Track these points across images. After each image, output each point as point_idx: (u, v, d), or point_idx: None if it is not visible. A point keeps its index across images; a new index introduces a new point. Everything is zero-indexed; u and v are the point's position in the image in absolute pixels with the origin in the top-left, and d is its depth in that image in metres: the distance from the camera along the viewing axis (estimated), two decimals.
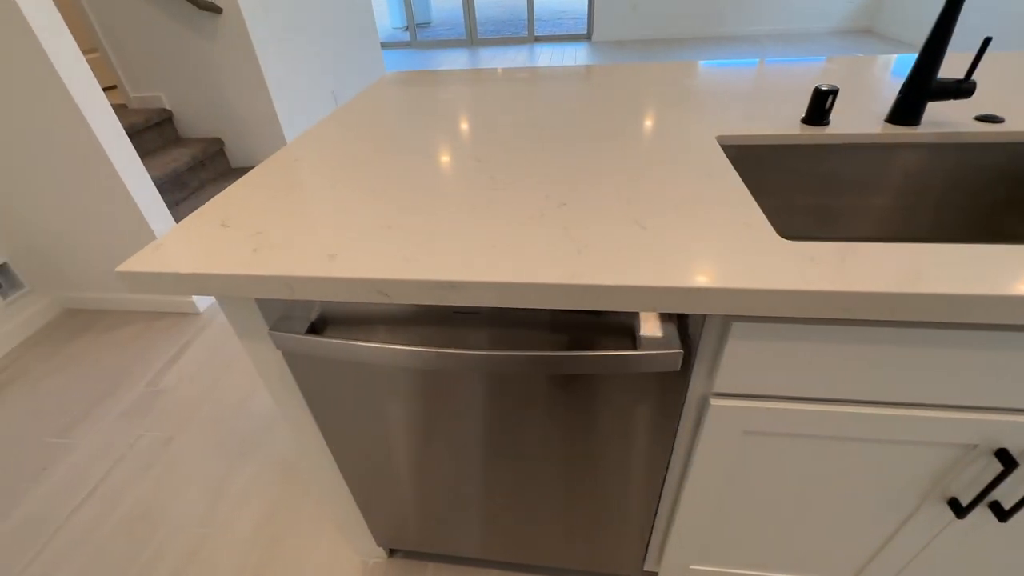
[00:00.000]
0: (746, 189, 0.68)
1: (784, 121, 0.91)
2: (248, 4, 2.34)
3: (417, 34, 7.57)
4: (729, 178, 0.71)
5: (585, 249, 0.57)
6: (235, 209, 0.72)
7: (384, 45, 7.17)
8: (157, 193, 1.84)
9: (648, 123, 0.93)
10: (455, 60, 5.98)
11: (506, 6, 10.49)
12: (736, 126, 0.89)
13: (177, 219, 2.32)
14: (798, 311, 0.51)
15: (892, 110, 0.87)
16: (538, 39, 6.68)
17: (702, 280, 0.51)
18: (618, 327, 0.61)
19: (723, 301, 0.51)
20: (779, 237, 0.57)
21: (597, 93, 1.12)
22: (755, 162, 0.89)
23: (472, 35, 6.73)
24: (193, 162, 2.54)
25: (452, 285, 0.54)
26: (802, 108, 0.96)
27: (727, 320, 0.57)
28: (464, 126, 0.98)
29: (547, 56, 5.86)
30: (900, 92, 0.85)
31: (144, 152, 2.52)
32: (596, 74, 1.27)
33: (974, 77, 1.07)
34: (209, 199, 2.64)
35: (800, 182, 0.92)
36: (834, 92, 0.85)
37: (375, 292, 0.56)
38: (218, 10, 2.27)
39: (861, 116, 0.90)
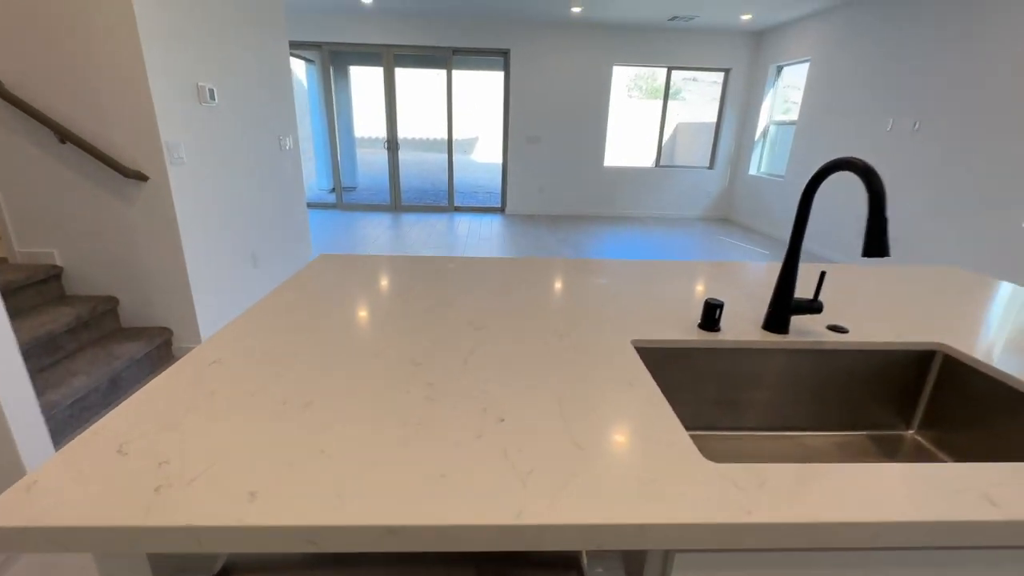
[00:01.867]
0: (664, 400, 0.75)
1: (684, 326, 1.05)
2: (178, 172, 2.40)
3: (344, 197, 8.07)
4: (648, 387, 0.78)
5: (529, 479, 0.57)
6: (137, 429, 0.64)
7: (311, 205, 7.50)
8: (26, 378, 1.59)
9: (571, 325, 1.02)
10: (379, 224, 6.36)
11: (428, 178, 11.72)
12: (648, 330, 1.01)
13: (39, 389, 2.00)
14: (735, 543, 0.53)
15: (765, 320, 1.05)
16: (457, 209, 7.40)
17: (643, 515, 0.53)
18: (557, 561, 0.59)
19: (663, 536, 0.52)
20: (704, 459, 0.62)
21: (523, 288, 1.24)
22: (664, 361, 1.00)
23: (396, 201, 7.31)
24: (76, 322, 2.30)
25: (392, 531, 0.51)
26: (697, 313, 1.12)
27: (670, 553, 0.58)
28: (400, 322, 1.01)
29: (465, 225, 6.45)
30: (769, 306, 1.04)
31: (16, 312, 2.24)
32: (522, 268, 1.41)
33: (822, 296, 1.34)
34: (86, 363, 2.34)
35: (703, 378, 1.03)
36: (720, 305, 1.01)
37: (303, 541, 0.51)
38: (144, 178, 2.29)
39: (744, 324, 1.07)
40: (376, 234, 5.75)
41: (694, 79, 7.30)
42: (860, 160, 0.84)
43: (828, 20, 5.22)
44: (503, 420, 0.69)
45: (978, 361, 0.95)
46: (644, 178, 7.20)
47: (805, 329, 1.06)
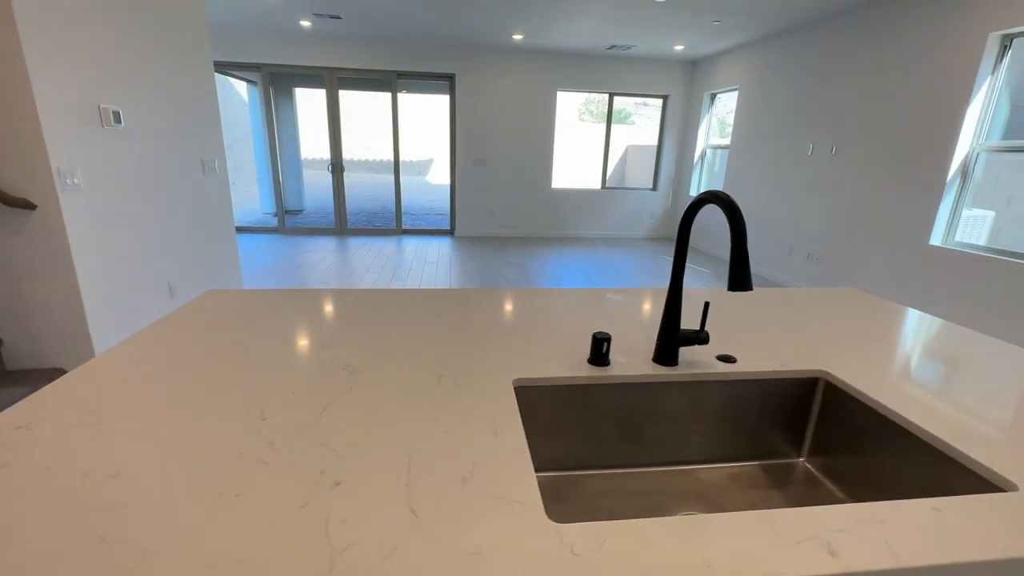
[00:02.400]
0: (526, 450, 0.70)
1: (574, 360, 1.02)
2: (72, 200, 2.22)
3: (289, 220, 7.81)
4: (514, 436, 0.74)
5: (341, 558, 0.51)
6: None
7: (250, 230, 7.21)
8: None
9: (456, 364, 0.97)
10: (321, 248, 6.17)
11: (380, 200, 11.56)
12: (535, 367, 0.98)
13: None
14: None
15: (655, 353, 1.03)
16: (406, 231, 7.30)
17: None
18: None
19: None
20: (547, 519, 0.58)
21: (421, 323, 1.18)
22: (549, 399, 0.96)
23: (342, 224, 7.13)
24: None
25: None
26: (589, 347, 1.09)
27: None
28: (265, 370, 0.93)
29: (412, 248, 6.36)
30: (657, 339, 1.03)
31: None
32: (426, 300, 1.36)
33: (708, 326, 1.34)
34: None
35: (593, 415, 1.00)
36: (607, 339, 0.99)
37: None
38: (31, 207, 2.10)
39: (635, 357, 1.05)
40: (316, 259, 5.57)
41: (645, 104, 7.58)
42: (724, 195, 0.84)
43: (753, 52, 5.55)
44: (339, 484, 0.62)
45: (855, 389, 0.97)
46: (591, 199, 7.34)
47: (695, 360, 1.05)
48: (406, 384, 0.89)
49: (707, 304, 0.99)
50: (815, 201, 4.64)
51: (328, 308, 1.28)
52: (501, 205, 7.08)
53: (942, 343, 1.21)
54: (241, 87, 9.52)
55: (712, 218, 6.44)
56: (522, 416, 0.95)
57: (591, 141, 7.37)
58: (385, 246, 6.38)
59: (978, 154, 3.35)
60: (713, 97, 6.64)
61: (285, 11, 5.10)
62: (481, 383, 0.90)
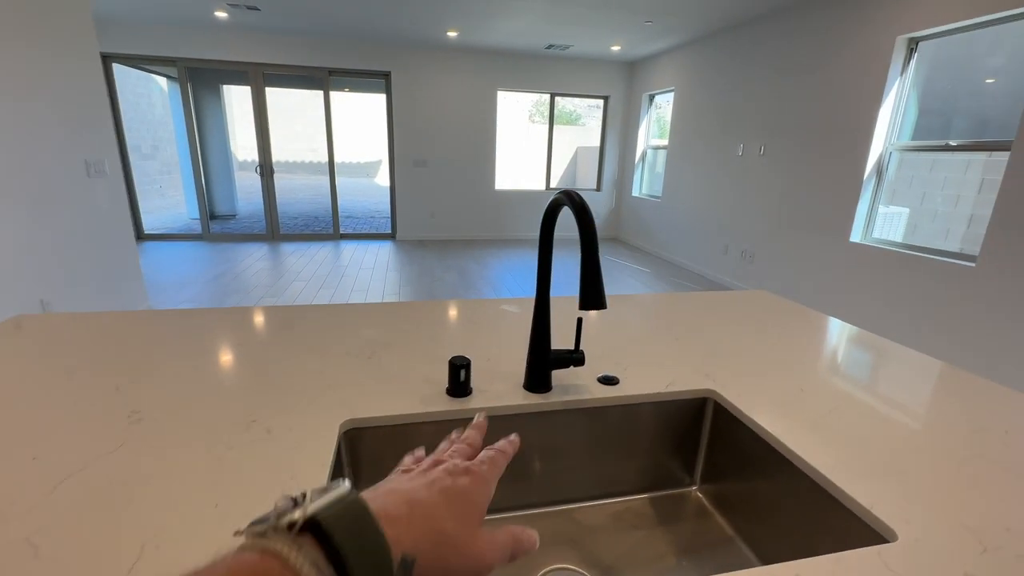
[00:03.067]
0: None
1: (429, 392, 0.87)
2: None
3: (217, 226, 7.32)
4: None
5: None
6: None
7: (171, 237, 6.70)
8: None
9: (275, 405, 0.80)
10: (249, 255, 5.78)
11: (321, 203, 11.09)
12: (377, 403, 0.82)
13: None
14: None
15: (526, 379, 0.90)
16: (344, 236, 6.97)
17: None
18: None
19: None
20: None
21: (255, 351, 1.00)
22: (389, 441, 0.81)
23: (273, 230, 6.73)
24: None
25: None
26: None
27: None
28: (11, 429, 0.73)
29: (350, 253, 6.06)
30: (527, 364, 0.89)
31: None
32: (275, 318, 1.17)
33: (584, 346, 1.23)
34: None
35: None
36: (466, 365, 0.85)
37: None
38: None
39: (503, 384, 0.91)
40: (240, 268, 5.19)
41: (597, 106, 7.55)
42: (577, 195, 0.72)
43: (686, 54, 5.63)
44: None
45: (739, 411, 0.87)
46: (535, 201, 7.27)
47: (573, 384, 0.92)
48: (198, 435, 0.71)
49: (580, 320, 0.86)
50: (747, 200, 4.73)
51: (155, 333, 1.08)
52: (443, 208, 6.89)
53: (845, 356, 1.14)
54: (160, 83, 8.89)
55: (650, 216, 6.50)
56: (352, 467, 0.79)
57: (542, 143, 7.29)
58: (320, 252, 6.05)
59: (891, 153, 3.47)
60: (652, 98, 6.70)
61: (197, 1, 4.72)
62: (297, 431, 0.74)
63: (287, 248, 6.22)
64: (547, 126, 7.22)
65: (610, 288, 4.82)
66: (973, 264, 2.84)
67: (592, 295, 0.68)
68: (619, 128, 7.24)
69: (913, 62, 3.29)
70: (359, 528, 0.23)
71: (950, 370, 1.06)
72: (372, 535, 0.23)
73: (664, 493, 0.97)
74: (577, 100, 7.99)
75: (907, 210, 3.76)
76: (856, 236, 3.64)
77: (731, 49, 4.90)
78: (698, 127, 5.49)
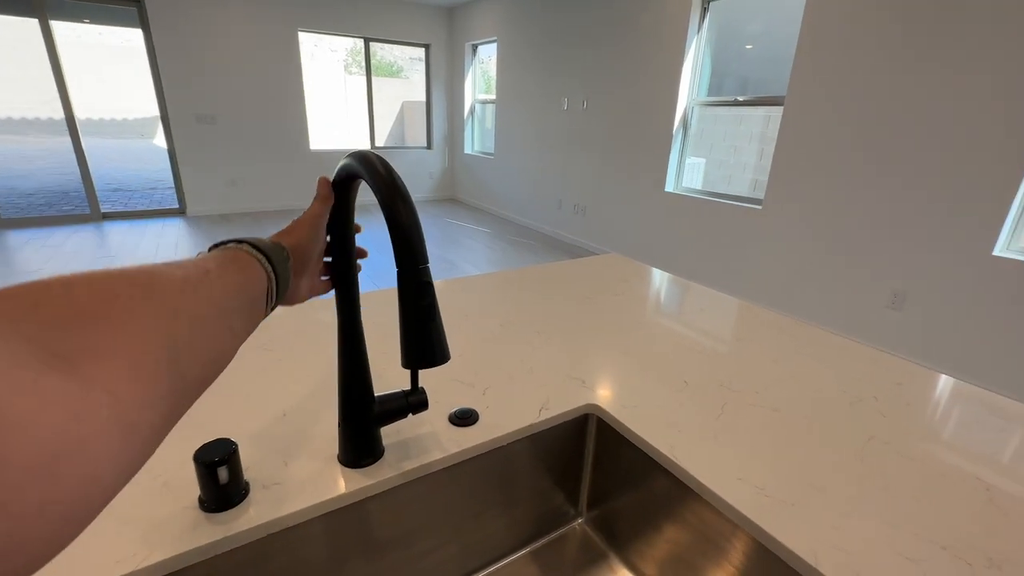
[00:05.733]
0: None
1: (170, 513, 0.50)
2: None
3: None
4: None
5: None
6: None
7: None
8: None
9: None
10: None
11: (69, 174, 8.56)
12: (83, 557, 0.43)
13: None
14: None
15: (340, 450, 0.59)
16: (109, 215, 5.42)
17: None
18: None
19: None
20: None
21: None
22: None
23: None
24: None
25: None
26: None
27: None
28: None
29: (119, 238, 4.73)
30: (338, 431, 0.58)
31: None
32: None
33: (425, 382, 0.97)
34: None
35: None
36: (226, 459, 0.50)
37: None
38: None
39: (306, 463, 0.59)
40: None
41: (419, 58, 6.89)
42: (377, 159, 0.41)
43: (507, 2, 5.41)
44: None
45: (620, 423, 0.69)
46: None
47: (413, 436, 0.65)
48: None
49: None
50: (575, 154, 4.84)
51: None
52: (248, 173, 5.77)
53: (737, 334, 1.05)
54: None
55: (485, 173, 6.37)
56: None
57: (364, 97, 6.47)
58: (72, 240, 4.59)
59: (693, 108, 3.78)
60: (475, 48, 6.40)
61: None
62: None
63: (17, 239, 4.58)
64: (365, 77, 6.45)
65: (452, 254, 4.59)
66: (759, 207, 3.28)
67: (420, 345, 0.40)
68: (444, 81, 6.82)
69: (706, 22, 3.55)
70: (267, 242, 0.40)
71: (812, 331, 1.04)
72: (273, 243, 0.40)
73: (547, 540, 0.77)
74: (398, 51, 7.29)
75: (703, 160, 4.21)
76: (670, 186, 3.96)
77: (549, 2, 4.82)
78: (523, 80, 5.39)
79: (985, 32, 2.20)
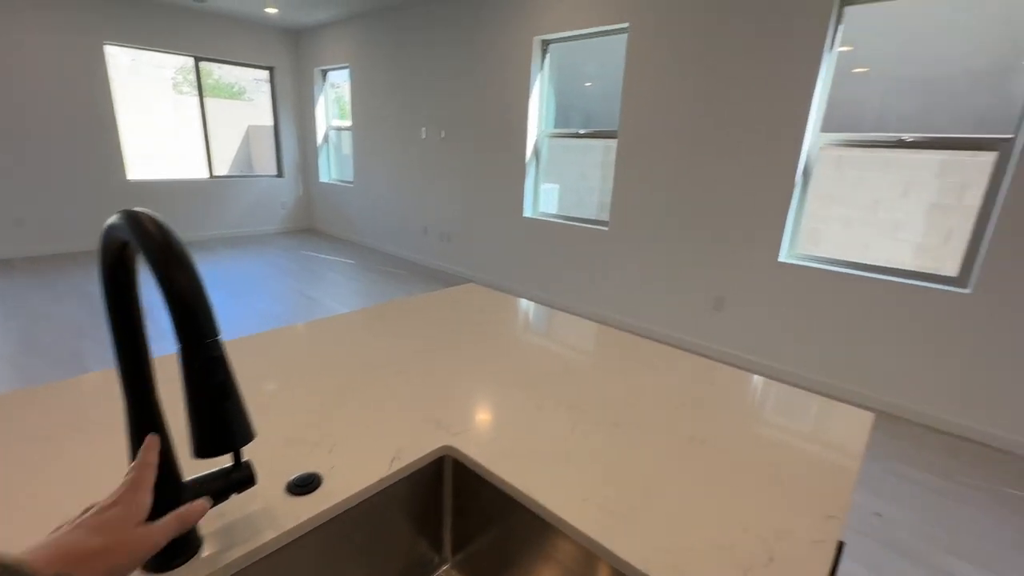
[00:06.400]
0: None
1: None
2: None
3: None
4: None
5: None
6: None
7: None
8: None
9: None
10: None
11: None
12: None
13: None
14: None
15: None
16: None
17: None
18: None
19: None
20: None
21: None
22: None
23: None
24: None
25: None
26: None
27: None
28: None
29: None
30: None
31: None
32: None
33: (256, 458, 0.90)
34: None
35: None
36: None
37: None
38: None
39: None
40: None
41: (264, 79, 6.33)
42: (147, 220, 0.36)
43: (358, 28, 5.32)
44: None
45: (476, 463, 0.69)
46: (197, 193, 5.82)
47: (241, 518, 0.57)
48: None
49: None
50: (437, 183, 4.88)
51: None
52: (39, 210, 4.76)
53: (585, 354, 1.11)
54: None
55: (345, 202, 6.11)
56: None
57: (197, 120, 5.75)
58: None
59: (543, 139, 4.08)
60: (325, 73, 6.16)
61: None
62: None
63: None
64: (212, 100, 5.79)
65: (314, 289, 4.28)
66: (606, 228, 3.63)
67: (214, 429, 0.35)
68: (293, 105, 6.43)
69: (547, 61, 3.89)
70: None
71: (647, 344, 1.16)
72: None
73: None
74: (238, 71, 6.70)
75: (557, 186, 4.55)
76: (528, 211, 4.19)
77: (400, 29, 4.85)
78: (379, 109, 5.32)
79: (755, 76, 2.74)
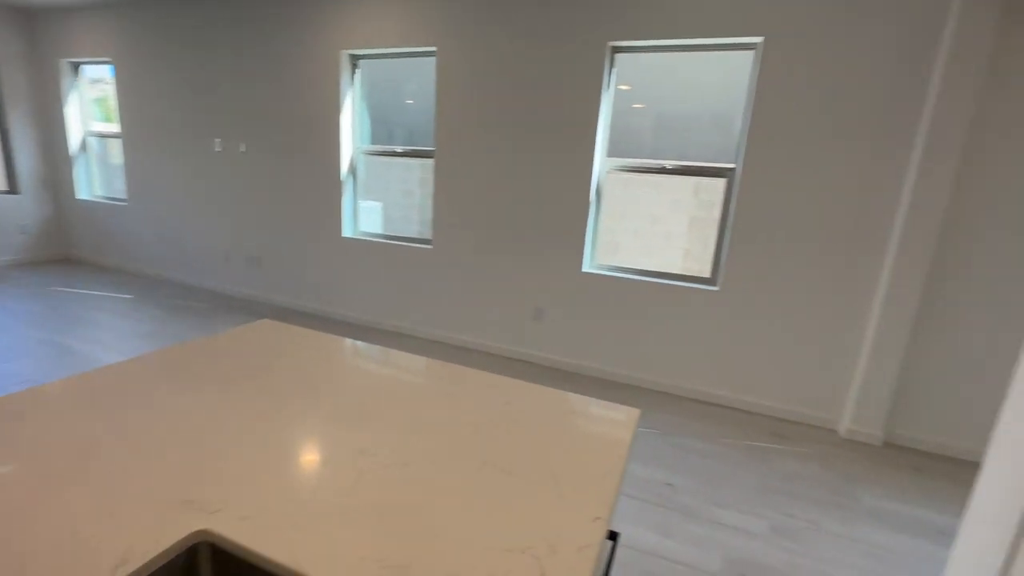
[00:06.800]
0: None
1: None
2: None
3: None
4: None
5: None
6: None
7: None
8: None
9: None
10: None
11: None
12: None
13: None
14: None
15: None
16: None
17: None
18: None
19: None
20: None
21: None
22: None
23: None
24: None
25: None
26: None
27: None
28: None
29: None
30: None
31: None
32: None
33: None
34: None
35: None
36: None
37: None
38: None
39: None
40: None
41: None
42: None
43: (124, 17, 4.44)
44: None
45: (241, 546, 0.60)
46: None
47: None
48: None
49: None
50: (240, 201, 4.33)
51: None
52: None
53: (386, 390, 1.05)
54: None
55: (117, 224, 5.04)
56: None
57: None
58: None
59: (359, 155, 3.92)
60: (77, 67, 5.01)
61: None
62: None
63: None
64: None
65: (73, 336, 3.40)
66: (430, 247, 3.64)
67: None
68: (28, 104, 5.08)
69: (358, 77, 3.76)
70: None
71: (452, 369, 1.15)
72: None
73: None
74: None
75: (380, 204, 4.42)
76: (348, 231, 3.98)
77: (179, 28, 4.20)
78: (157, 114, 4.52)
79: (552, 106, 3.04)
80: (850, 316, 2.62)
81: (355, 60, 3.73)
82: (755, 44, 2.64)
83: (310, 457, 0.78)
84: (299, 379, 1.05)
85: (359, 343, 1.28)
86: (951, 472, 2.38)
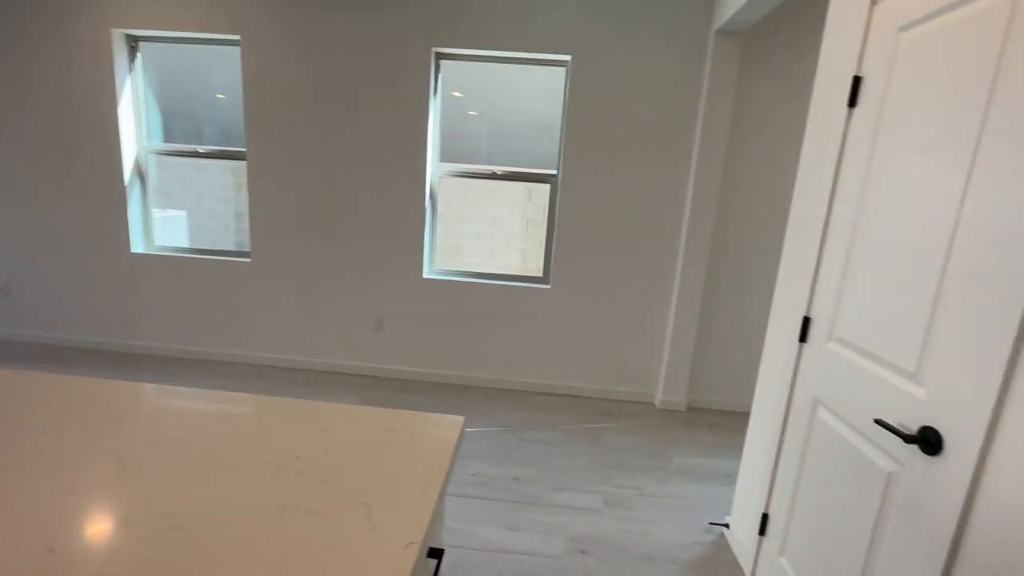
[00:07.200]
0: None
1: None
2: None
3: None
4: None
5: None
6: None
7: None
8: None
9: None
10: None
11: None
12: None
13: None
14: None
15: None
16: None
17: None
18: None
19: None
20: None
21: None
22: None
23: None
24: None
25: None
26: None
27: None
28: None
29: None
30: None
31: None
32: None
33: None
34: None
35: None
36: None
37: None
38: None
39: None
40: None
41: None
42: None
43: None
44: None
45: None
46: None
47: None
48: None
49: None
50: None
51: None
52: None
53: (162, 438, 0.85)
54: None
55: None
56: None
57: None
58: None
59: (148, 156, 3.30)
60: None
61: None
62: None
63: None
64: None
65: None
66: (249, 260, 3.22)
67: None
68: None
69: (139, 61, 3.15)
70: None
71: (259, 402, 1.01)
72: None
73: None
74: None
75: (185, 212, 3.79)
76: (138, 247, 3.32)
77: None
78: None
79: (382, 109, 2.93)
80: (657, 303, 3.02)
81: (133, 42, 3.13)
82: (565, 61, 2.88)
83: (34, 544, 0.60)
84: (38, 446, 0.82)
85: (146, 384, 1.05)
86: (738, 425, 2.90)
